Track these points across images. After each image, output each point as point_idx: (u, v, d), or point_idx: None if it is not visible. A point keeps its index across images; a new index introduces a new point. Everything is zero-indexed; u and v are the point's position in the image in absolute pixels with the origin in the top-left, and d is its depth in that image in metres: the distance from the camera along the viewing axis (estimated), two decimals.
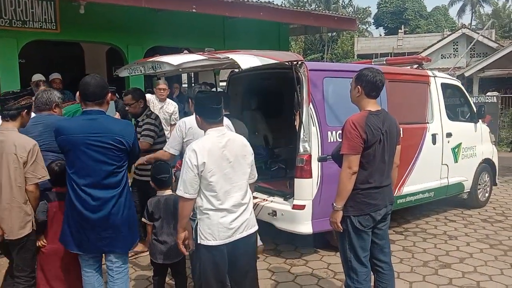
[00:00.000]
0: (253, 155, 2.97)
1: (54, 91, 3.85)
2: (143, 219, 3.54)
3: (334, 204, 3.04)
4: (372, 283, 3.22)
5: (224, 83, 6.48)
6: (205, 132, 2.85)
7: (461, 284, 4.04)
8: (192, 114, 3.91)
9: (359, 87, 3.12)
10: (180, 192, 2.72)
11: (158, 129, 4.63)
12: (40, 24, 6.58)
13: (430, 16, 47.09)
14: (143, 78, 7.75)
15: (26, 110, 3.11)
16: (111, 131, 2.82)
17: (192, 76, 11.45)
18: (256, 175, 3.07)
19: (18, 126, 3.09)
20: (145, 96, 4.91)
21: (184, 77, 12.99)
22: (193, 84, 11.79)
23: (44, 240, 3.19)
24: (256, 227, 2.95)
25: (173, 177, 3.67)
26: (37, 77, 6.08)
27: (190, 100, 4.05)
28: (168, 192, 3.57)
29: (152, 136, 4.53)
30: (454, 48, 22.88)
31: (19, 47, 6.48)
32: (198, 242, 2.78)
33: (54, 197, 3.19)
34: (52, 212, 3.15)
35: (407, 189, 5.39)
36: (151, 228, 3.49)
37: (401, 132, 3.33)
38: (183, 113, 6.08)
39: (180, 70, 4.19)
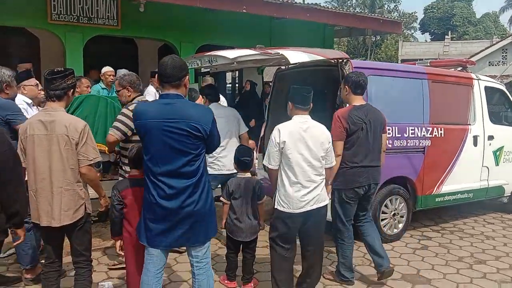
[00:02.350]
0: (331, 142, 3.43)
1: (3, 69, 3.64)
2: (221, 198, 3.81)
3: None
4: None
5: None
6: (292, 117, 3.41)
7: (495, 278, 4.16)
8: None
9: (347, 87, 3.90)
10: (265, 162, 3.38)
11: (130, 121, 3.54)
12: (104, 20, 7.16)
13: (479, 22, 45.64)
14: (193, 74, 8.20)
15: (72, 90, 2.98)
16: (188, 117, 2.61)
17: (237, 74, 11.85)
18: (334, 162, 3.50)
19: (64, 106, 2.96)
20: (134, 84, 3.85)
21: (228, 76, 13.44)
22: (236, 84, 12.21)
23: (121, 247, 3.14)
24: (326, 202, 3.43)
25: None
26: (106, 69, 6.31)
27: (205, 97, 4.60)
28: (248, 174, 3.85)
29: (118, 128, 3.61)
30: (502, 56, 22.22)
31: (84, 41, 7.08)
32: (276, 207, 3.34)
33: (128, 184, 3.08)
34: (128, 199, 3.03)
35: (446, 188, 5.50)
36: (228, 207, 3.79)
37: (386, 122, 4.00)
38: None
39: (235, 63, 4.52)
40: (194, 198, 2.65)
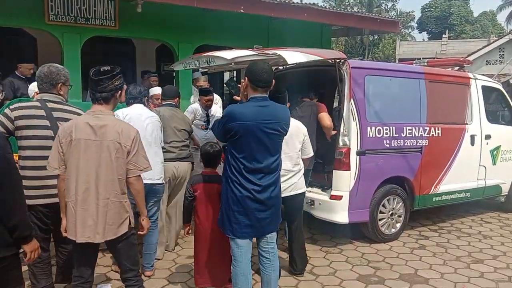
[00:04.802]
0: (307, 136, 3.91)
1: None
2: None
3: None
4: None
5: None
6: None
7: (492, 277, 4.17)
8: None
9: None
10: None
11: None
12: (101, 21, 7.13)
13: (477, 21, 45.77)
14: (191, 75, 8.18)
15: (120, 92, 2.78)
16: (279, 118, 2.92)
17: (235, 74, 11.84)
18: (311, 153, 4.02)
19: (111, 109, 2.75)
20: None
21: (226, 76, 13.42)
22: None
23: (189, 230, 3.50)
24: (303, 190, 3.91)
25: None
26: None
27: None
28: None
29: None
30: (500, 54, 22.26)
31: (81, 42, 7.05)
32: None
33: (200, 179, 3.38)
34: (198, 193, 3.34)
35: (443, 187, 5.53)
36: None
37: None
38: None
39: (232, 64, 4.52)
40: (277, 189, 2.99)
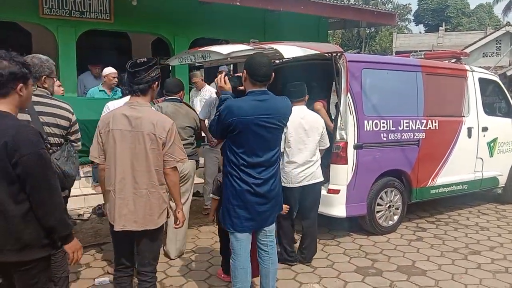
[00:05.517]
0: (325, 128, 4.14)
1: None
2: (212, 195, 3.65)
3: None
4: None
5: None
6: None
7: (489, 269, 4.19)
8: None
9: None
10: None
11: None
12: (96, 14, 7.08)
13: (473, 13, 45.75)
14: (187, 69, 8.15)
15: (156, 83, 2.74)
16: (278, 111, 2.87)
17: (231, 67, 11.80)
18: (328, 144, 4.20)
19: (148, 101, 2.76)
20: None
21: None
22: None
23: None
24: (320, 179, 4.13)
25: None
26: (110, 70, 5.99)
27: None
28: None
29: None
30: (496, 47, 22.24)
31: (76, 36, 7.01)
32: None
33: None
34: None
35: (440, 180, 5.54)
36: (217, 203, 3.63)
37: None
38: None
39: (229, 59, 4.49)
40: (276, 182, 2.98)
